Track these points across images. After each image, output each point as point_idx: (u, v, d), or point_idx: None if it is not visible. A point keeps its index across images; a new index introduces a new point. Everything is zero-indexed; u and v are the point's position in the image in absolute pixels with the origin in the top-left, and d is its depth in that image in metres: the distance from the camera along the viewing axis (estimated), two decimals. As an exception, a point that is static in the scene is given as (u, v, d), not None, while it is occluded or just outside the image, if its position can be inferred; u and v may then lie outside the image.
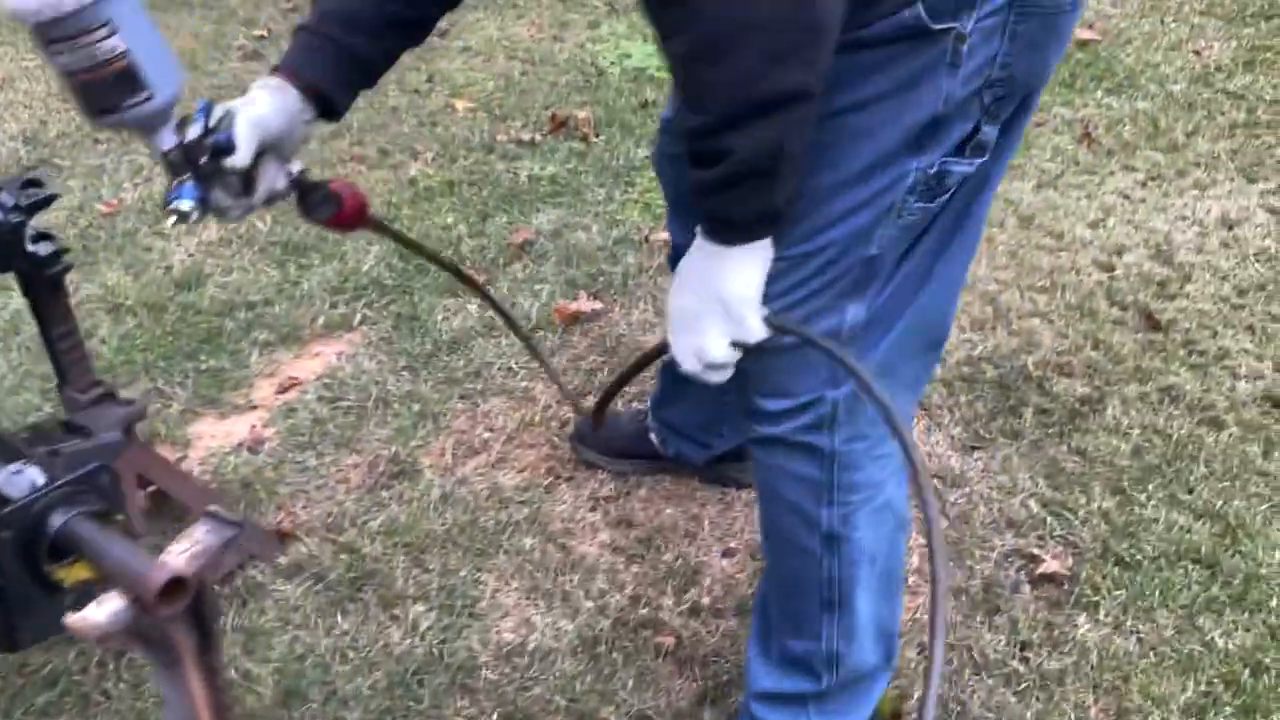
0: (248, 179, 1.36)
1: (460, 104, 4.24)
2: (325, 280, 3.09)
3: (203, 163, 1.27)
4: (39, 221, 1.87)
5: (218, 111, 1.31)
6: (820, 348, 1.25)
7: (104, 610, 1.04)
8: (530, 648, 1.96)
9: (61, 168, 3.99)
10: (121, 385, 2.69)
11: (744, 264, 1.24)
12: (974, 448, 2.40)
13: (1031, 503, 2.24)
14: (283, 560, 2.16)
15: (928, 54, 1.21)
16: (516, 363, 2.72)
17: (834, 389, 1.43)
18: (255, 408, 2.65)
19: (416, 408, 2.59)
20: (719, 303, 1.25)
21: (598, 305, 2.91)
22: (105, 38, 1.09)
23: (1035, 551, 2.11)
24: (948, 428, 2.45)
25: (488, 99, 4.28)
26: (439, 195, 3.56)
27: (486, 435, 2.50)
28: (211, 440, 2.55)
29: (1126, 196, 3.39)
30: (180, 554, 1.10)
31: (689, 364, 1.32)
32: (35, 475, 1.19)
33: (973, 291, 2.91)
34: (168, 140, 1.26)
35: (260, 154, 1.36)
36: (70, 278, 2.01)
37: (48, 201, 1.82)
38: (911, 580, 2.07)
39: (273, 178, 1.39)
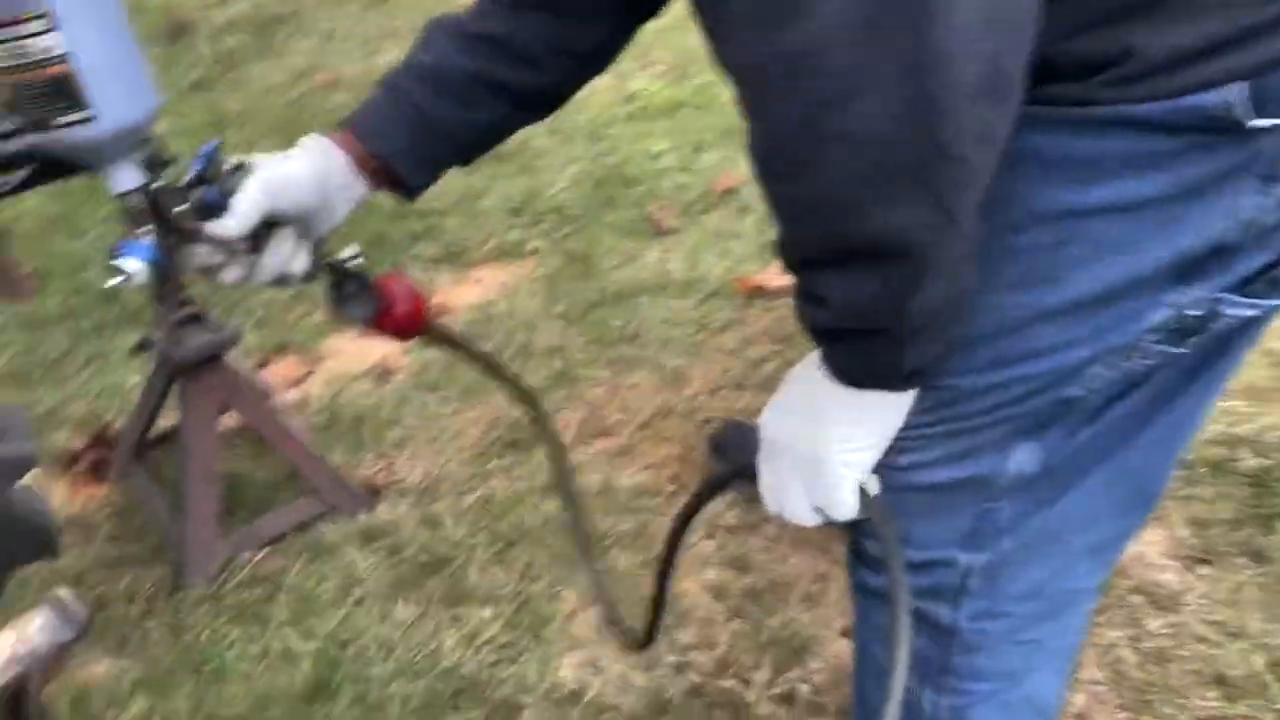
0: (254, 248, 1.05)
1: (712, 10, 3.85)
2: (508, 198, 2.85)
3: (175, 216, 0.98)
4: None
5: (228, 161, 1.01)
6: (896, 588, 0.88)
7: None
8: (586, 698, 1.69)
9: (303, 23, 3.93)
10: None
11: (862, 418, 0.89)
12: (1200, 561, 1.89)
13: (1257, 658, 1.73)
14: (363, 519, 1.98)
15: (1229, 157, 0.78)
16: (682, 333, 2.40)
17: (970, 551, 1.05)
18: (398, 330, 2.47)
19: (558, 365, 2.33)
20: (812, 457, 0.90)
21: (788, 281, 2.53)
22: (39, 33, 0.82)
23: (1244, 730, 1.63)
24: (1173, 526, 1.95)
25: (744, 8, 3.86)
26: (658, 115, 3.23)
27: (619, 416, 2.21)
28: (342, 360, 2.39)
29: None
30: (-8, 657, 0.86)
31: (768, 503, 0.98)
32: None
33: (1256, 346, 2.32)
34: (125, 180, 0.97)
35: (271, 226, 1.04)
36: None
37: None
38: (1068, 727, 1.64)
39: (286, 257, 1.06)
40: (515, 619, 1.81)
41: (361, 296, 1.11)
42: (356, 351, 2.41)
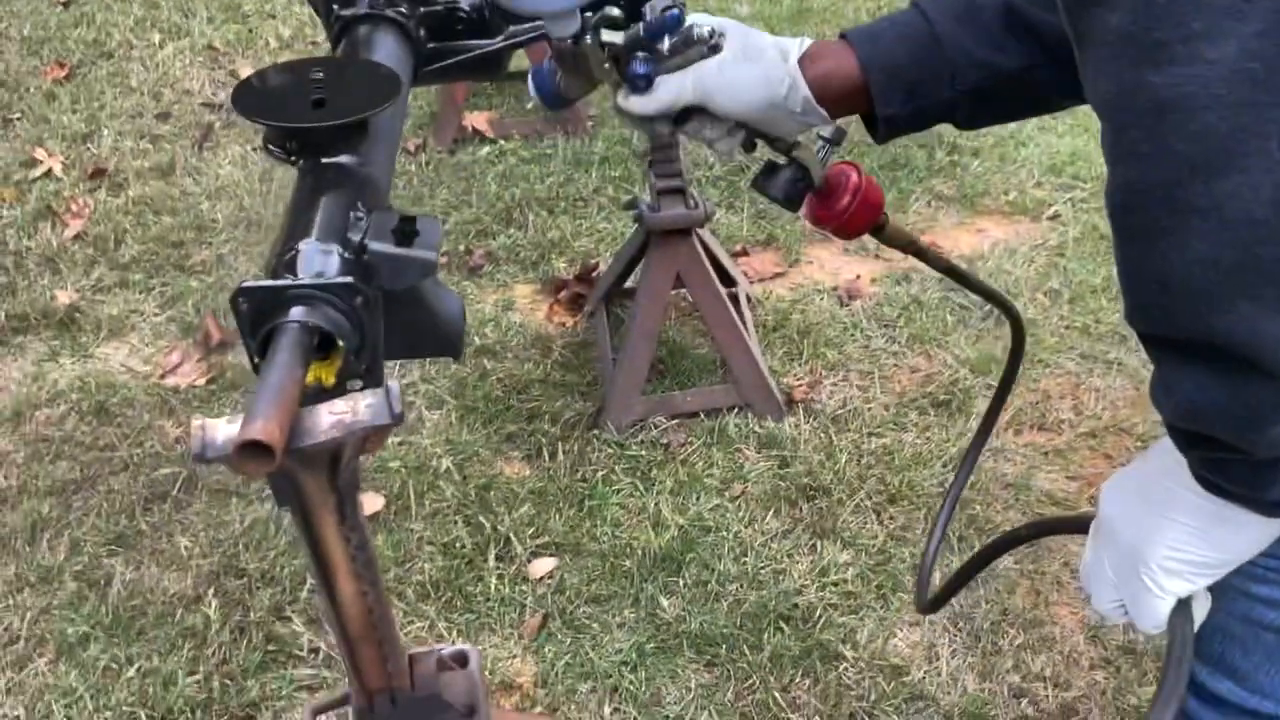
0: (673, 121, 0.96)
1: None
2: (1050, 153, 2.65)
3: (598, 70, 0.92)
4: None
5: (700, 26, 0.89)
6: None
7: (222, 432, 0.99)
8: (907, 677, 1.61)
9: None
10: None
11: (1208, 530, 0.74)
12: None
13: None
14: (769, 424, 2.01)
15: None
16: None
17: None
18: (879, 257, 2.43)
19: (1033, 338, 2.15)
20: (1133, 549, 0.77)
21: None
22: None
23: None
24: None
25: None
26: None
27: (1068, 416, 2.01)
28: (816, 270, 2.40)
29: None
30: (328, 414, 1.00)
31: (1081, 580, 0.87)
32: (329, 264, 1.14)
33: None
34: (558, 28, 0.97)
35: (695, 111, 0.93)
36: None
37: None
38: None
39: (707, 137, 0.95)
40: (870, 573, 1.76)
41: (802, 180, 0.98)
42: (833, 266, 2.41)
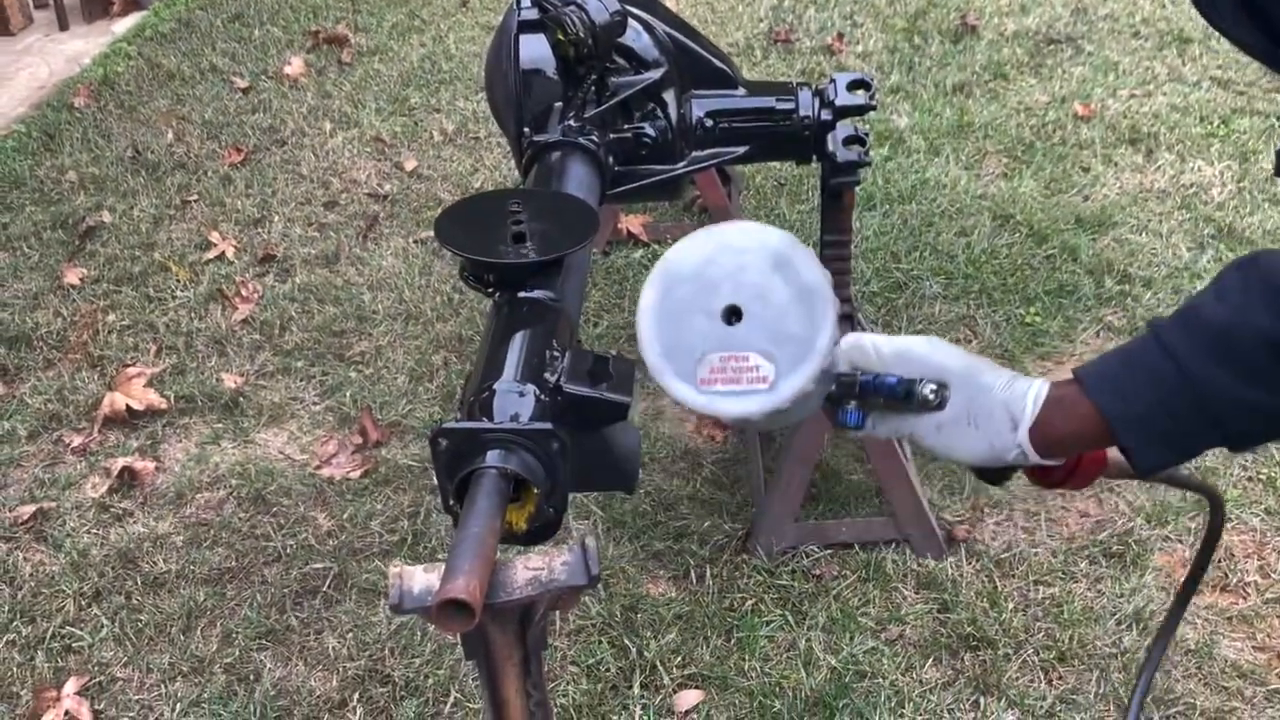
0: None
1: None
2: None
3: (864, 399, 0.95)
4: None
5: (916, 390, 0.89)
6: None
7: (419, 581, 0.98)
8: None
9: (1083, 49, 3.80)
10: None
11: None
12: None
13: None
14: (928, 563, 1.93)
15: None
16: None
17: None
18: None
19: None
20: None
21: None
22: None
23: None
24: None
25: None
26: None
27: (1255, 578, 1.87)
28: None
29: None
30: (523, 570, 0.99)
31: None
32: (525, 407, 1.14)
33: None
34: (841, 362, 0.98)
35: None
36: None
37: (861, 110, 1.70)
38: None
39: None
40: (1037, 740, 1.65)
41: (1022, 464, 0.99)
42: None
